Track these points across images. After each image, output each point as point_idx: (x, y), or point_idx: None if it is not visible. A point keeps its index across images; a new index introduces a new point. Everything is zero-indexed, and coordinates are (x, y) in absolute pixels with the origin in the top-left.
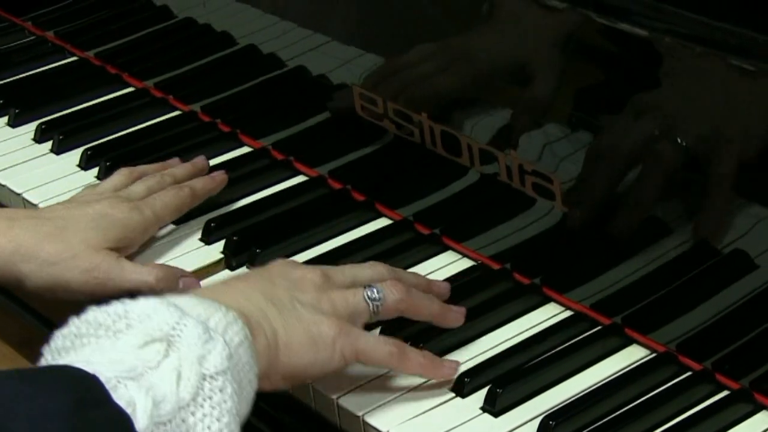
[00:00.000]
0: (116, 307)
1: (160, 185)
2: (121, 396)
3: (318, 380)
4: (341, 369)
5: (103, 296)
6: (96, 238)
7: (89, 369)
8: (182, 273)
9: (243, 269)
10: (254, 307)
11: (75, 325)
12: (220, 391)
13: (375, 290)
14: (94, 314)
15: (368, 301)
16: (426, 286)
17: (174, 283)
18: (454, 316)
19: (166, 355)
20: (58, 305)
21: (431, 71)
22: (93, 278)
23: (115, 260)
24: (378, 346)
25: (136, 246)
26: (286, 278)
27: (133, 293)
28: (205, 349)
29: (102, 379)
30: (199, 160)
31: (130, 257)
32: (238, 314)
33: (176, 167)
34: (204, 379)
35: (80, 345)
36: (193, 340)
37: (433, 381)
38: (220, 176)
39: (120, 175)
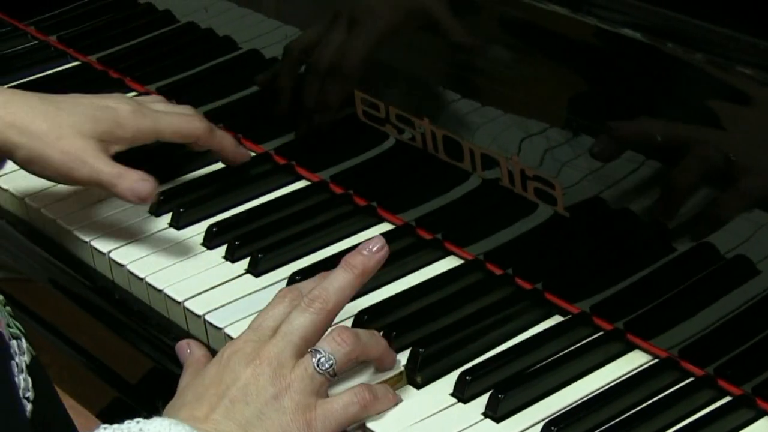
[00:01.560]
0: (130, 425)
1: (184, 112)
2: None
3: None
4: None
5: (77, 181)
6: (84, 126)
7: None
8: (142, 176)
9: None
10: None
11: None
12: None
13: (323, 357)
14: None
15: (321, 372)
16: (362, 269)
17: (134, 184)
18: (392, 356)
19: None
20: (65, 314)
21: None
22: (69, 160)
23: (94, 150)
24: (349, 409)
25: (126, 146)
26: (239, 386)
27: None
28: None
29: None
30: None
31: None
32: None
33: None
34: None
35: None
36: None
37: (436, 386)
38: (244, 150)
39: (154, 97)
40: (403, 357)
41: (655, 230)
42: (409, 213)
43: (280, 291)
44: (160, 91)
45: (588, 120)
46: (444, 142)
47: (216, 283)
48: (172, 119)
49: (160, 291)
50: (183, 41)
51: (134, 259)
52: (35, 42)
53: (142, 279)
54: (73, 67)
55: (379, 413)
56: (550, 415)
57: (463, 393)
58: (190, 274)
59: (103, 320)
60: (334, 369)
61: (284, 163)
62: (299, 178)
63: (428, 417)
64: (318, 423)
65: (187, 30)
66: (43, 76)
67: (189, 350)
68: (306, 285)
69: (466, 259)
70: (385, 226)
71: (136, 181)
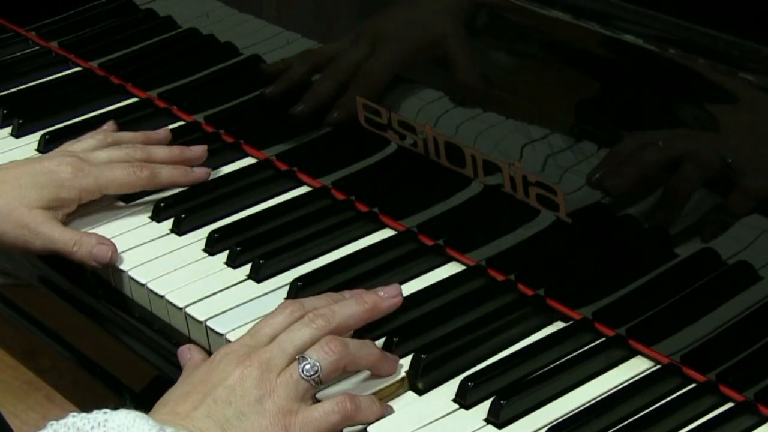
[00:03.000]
0: (97, 415)
1: (126, 158)
2: None
3: None
4: None
5: (34, 252)
6: (30, 197)
7: None
8: (99, 240)
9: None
10: None
11: (53, 428)
12: None
13: (309, 364)
14: (73, 420)
15: (306, 378)
16: (372, 306)
17: (92, 249)
18: (390, 364)
19: None
20: (66, 319)
21: (360, 56)
22: (23, 234)
23: (45, 220)
24: (329, 417)
25: (74, 206)
26: (225, 386)
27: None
28: None
29: None
30: (196, 149)
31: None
32: None
33: (158, 148)
34: None
35: None
36: None
37: (438, 392)
38: (199, 173)
39: (93, 138)
40: (405, 363)
41: (657, 236)
42: (411, 219)
43: (283, 302)
44: (161, 97)
45: (590, 126)
46: (446, 147)
47: (217, 289)
48: (115, 174)
49: (161, 297)
50: (184, 47)
51: (135, 265)
52: (36, 48)
53: (143, 285)
54: (74, 72)
55: (364, 424)
56: (553, 421)
57: (465, 399)
58: (191, 280)
59: (104, 326)
60: (319, 377)
61: (286, 169)
62: (301, 184)
63: (430, 423)
64: (296, 428)
65: (188, 36)
66: (45, 81)
67: (190, 355)
68: (310, 301)
69: (468, 265)
70: (387, 232)
71: (93, 246)
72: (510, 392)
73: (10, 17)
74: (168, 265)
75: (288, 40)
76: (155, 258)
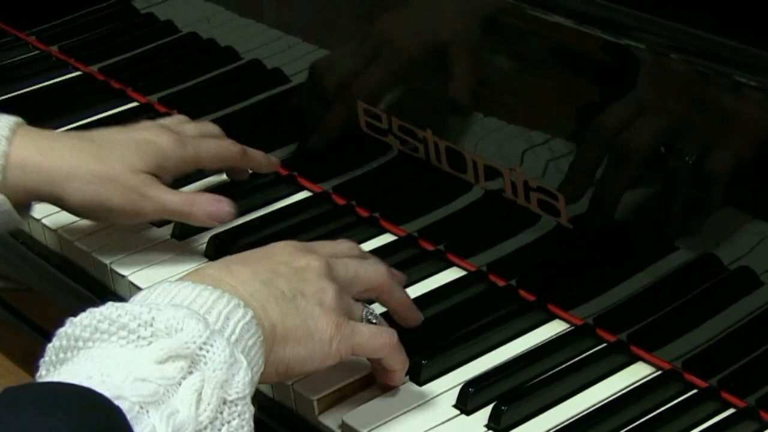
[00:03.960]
0: (142, 312)
1: (216, 133)
2: (143, 428)
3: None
4: (335, 363)
5: (144, 216)
6: (134, 161)
7: (110, 394)
8: (214, 198)
9: None
10: (254, 300)
11: (96, 318)
12: (239, 416)
13: (371, 311)
14: (117, 312)
15: (364, 317)
16: (410, 307)
17: (210, 208)
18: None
19: (189, 373)
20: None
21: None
22: (132, 198)
23: (151, 182)
24: (374, 339)
25: (171, 177)
26: (290, 266)
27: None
28: (228, 373)
29: (124, 407)
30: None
31: None
32: (254, 314)
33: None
34: (224, 403)
35: (98, 339)
36: (219, 364)
37: (438, 398)
38: (275, 161)
39: (178, 118)
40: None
41: (659, 242)
42: (412, 224)
43: (341, 240)
44: (161, 102)
45: (591, 131)
46: (447, 153)
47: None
48: (210, 145)
49: None
50: (185, 51)
51: (135, 270)
52: (36, 52)
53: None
54: (74, 77)
55: (391, 369)
56: (554, 427)
57: (466, 405)
58: None
59: None
60: (370, 324)
61: (286, 174)
62: (301, 188)
63: (431, 429)
64: (346, 331)
65: (188, 40)
66: (45, 86)
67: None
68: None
69: (469, 270)
70: (388, 238)
71: (210, 205)
72: (511, 398)
73: (10, 21)
74: (168, 270)
75: (288, 44)
76: (156, 263)
